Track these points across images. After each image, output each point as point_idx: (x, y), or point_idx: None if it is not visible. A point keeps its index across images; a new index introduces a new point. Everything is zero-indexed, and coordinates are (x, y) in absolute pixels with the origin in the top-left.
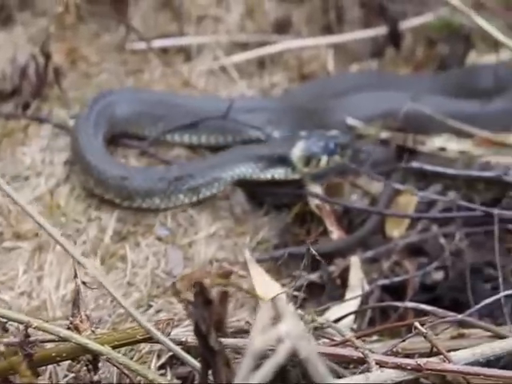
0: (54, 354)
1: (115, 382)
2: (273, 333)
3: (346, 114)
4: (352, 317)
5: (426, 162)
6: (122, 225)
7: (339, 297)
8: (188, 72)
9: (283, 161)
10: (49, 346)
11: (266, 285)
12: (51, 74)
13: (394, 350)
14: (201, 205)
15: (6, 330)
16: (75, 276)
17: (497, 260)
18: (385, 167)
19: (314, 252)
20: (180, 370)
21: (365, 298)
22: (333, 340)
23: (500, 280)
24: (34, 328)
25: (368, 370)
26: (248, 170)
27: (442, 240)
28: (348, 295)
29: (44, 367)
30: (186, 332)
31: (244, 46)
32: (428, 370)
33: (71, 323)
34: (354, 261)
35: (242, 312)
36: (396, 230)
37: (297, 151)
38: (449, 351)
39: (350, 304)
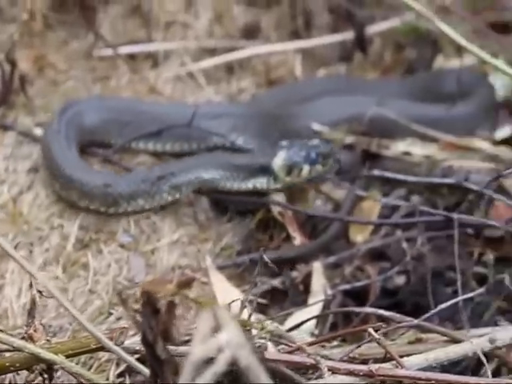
0: (7, 364)
1: None
2: (213, 342)
3: (312, 119)
4: (314, 322)
5: (390, 166)
6: (85, 232)
7: (302, 302)
8: (155, 78)
9: (265, 170)
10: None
11: (226, 291)
12: (17, 81)
13: (351, 355)
14: (164, 211)
15: None
16: (30, 286)
17: (456, 264)
18: (350, 172)
19: (266, 259)
20: (139, 378)
21: (327, 304)
22: (291, 346)
23: (459, 284)
24: None
25: (320, 376)
26: (228, 180)
27: (405, 244)
28: (310, 301)
29: (3, 376)
30: None
31: (212, 52)
32: (380, 375)
33: (25, 333)
34: (317, 266)
35: None
36: (360, 235)
37: (278, 160)
38: (403, 356)
39: (313, 309)
